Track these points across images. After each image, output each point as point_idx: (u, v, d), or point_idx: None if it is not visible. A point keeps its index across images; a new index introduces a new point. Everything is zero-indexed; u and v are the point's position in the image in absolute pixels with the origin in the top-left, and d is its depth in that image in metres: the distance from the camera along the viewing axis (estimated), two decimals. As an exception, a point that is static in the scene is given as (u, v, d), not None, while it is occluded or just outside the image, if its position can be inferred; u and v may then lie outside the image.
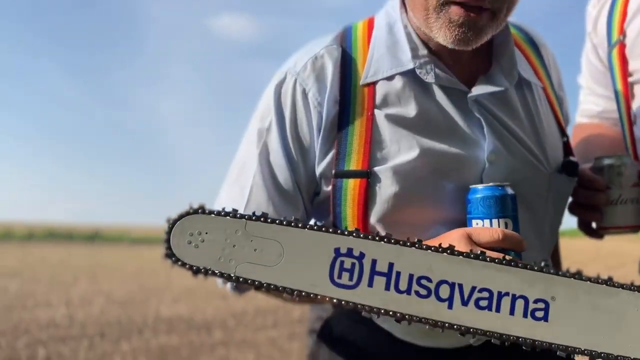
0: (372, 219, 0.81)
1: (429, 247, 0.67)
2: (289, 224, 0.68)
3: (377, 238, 0.68)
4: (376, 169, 0.80)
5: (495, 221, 0.75)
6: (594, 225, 0.94)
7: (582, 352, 0.66)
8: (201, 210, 0.67)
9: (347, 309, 0.67)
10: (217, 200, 0.91)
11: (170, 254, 0.66)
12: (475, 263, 0.67)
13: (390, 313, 0.65)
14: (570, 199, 0.92)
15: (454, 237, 0.73)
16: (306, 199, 0.87)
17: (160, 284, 9.65)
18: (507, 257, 0.67)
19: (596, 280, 0.67)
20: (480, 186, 0.77)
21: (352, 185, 0.81)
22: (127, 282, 9.66)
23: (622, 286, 0.67)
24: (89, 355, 4.71)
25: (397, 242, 0.67)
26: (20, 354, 4.64)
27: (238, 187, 0.87)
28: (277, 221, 0.67)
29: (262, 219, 0.67)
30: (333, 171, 0.82)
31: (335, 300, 0.66)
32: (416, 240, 0.68)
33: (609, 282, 0.67)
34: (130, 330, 5.64)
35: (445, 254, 0.67)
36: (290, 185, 0.85)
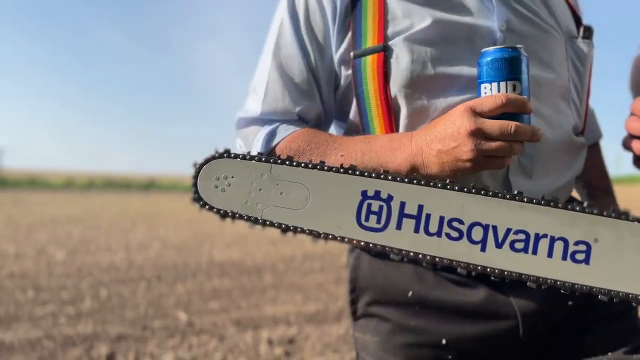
0: (393, 90, 0.83)
1: (461, 188, 0.64)
2: (314, 166, 0.67)
3: (406, 180, 0.66)
4: (391, 42, 0.83)
5: (503, 84, 0.72)
6: None
7: (626, 297, 0.62)
8: (227, 154, 0.67)
9: (377, 249, 0.65)
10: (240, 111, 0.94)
11: (197, 198, 0.67)
12: (511, 204, 0.64)
13: (420, 256, 0.64)
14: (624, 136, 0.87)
15: (457, 114, 0.73)
16: (325, 91, 0.91)
17: (213, 230, 10.02)
18: (547, 199, 0.64)
19: None
20: (491, 49, 0.75)
21: (370, 62, 0.84)
22: (182, 229, 10.08)
23: None
24: (146, 295, 4.99)
25: (427, 183, 0.65)
26: (84, 294, 4.98)
27: (256, 89, 0.91)
28: (302, 164, 0.67)
29: (287, 162, 0.67)
30: (351, 53, 0.85)
31: (362, 243, 0.65)
32: (448, 181, 0.65)
33: None
34: (185, 274, 5.92)
35: (479, 194, 0.64)
36: (305, 76, 0.89)
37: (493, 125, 0.71)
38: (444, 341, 0.88)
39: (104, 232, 9.89)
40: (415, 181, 0.66)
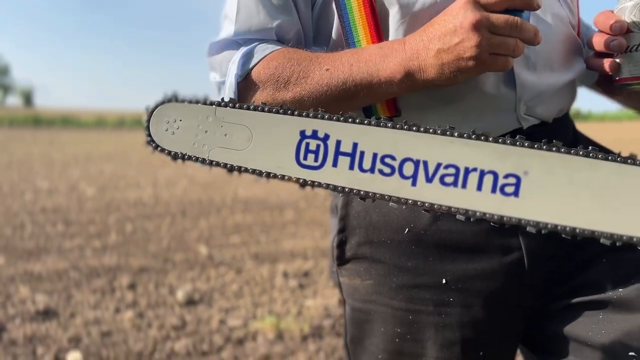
0: None
1: (394, 125, 0.67)
2: (255, 108, 0.71)
3: (341, 119, 0.69)
4: None
5: None
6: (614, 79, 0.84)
7: (554, 228, 0.64)
8: (174, 98, 0.71)
9: (314, 187, 0.68)
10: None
11: (150, 141, 0.73)
12: (442, 139, 0.66)
13: (354, 191, 0.68)
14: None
15: (458, 7, 0.69)
16: (302, 4, 0.84)
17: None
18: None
19: (576, 153, 0.64)
20: None
21: None
22: (209, 167, 10.26)
23: (606, 158, 0.63)
24: (170, 230, 5.22)
25: (362, 122, 0.68)
26: (110, 228, 5.24)
27: (228, 14, 0.85)
28: (244, 106, 0.71)
29: (230, 105, 0.71)
30: None
31: (301, 181, 0.69)
32: (381, 118, 0.67)
33: (591, 154, 0.64)
34: (209, 209, 6.14)
35: (411, 131, 0.66)
36: None
37: (499, 18, 0.68)
38: (444, 281, 0.85)
39: (134, 169, 10.21)
40: (350, 120, 0.68)
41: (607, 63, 0.80)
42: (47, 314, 3.18)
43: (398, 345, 0.88)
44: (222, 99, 0.71)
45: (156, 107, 0.72)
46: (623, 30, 0.78)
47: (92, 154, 13.76)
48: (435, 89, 0.78)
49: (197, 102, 0.71)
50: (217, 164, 0.71)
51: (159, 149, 0.73)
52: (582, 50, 0.91)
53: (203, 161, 0.71)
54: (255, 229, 5.20)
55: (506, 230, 0.83)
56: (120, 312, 3.24)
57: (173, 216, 5.83)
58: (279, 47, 0.82)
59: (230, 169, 0.71)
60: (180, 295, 3.49)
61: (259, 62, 0.81)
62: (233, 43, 0.84)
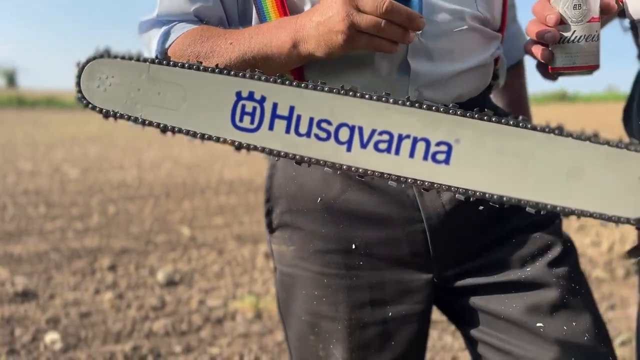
0: None
1: (331, 90, 0.68)
2: (190, 67, 0.70)
3: (279, 81, 0.69)
4: None
5: None
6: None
7: (482, 196, 0.66)
8: (107, 54, 0.70)
9: (250, 150, 0.70)
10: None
11: (81, 98, 0.71)
12: (377, 105, 0.67)
13: (290, 155, 0.68)
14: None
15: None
16: None
17: (227, 150, 10.16)
18: (413, 99, 0.67)
19: (506, 122, 0.66)
20: None
21: None
22: (196, 148, 10.26)
23: (533, 128, 0.65)
24: (153, 211, 5.22)
25: (299, 84, 0.68)
26: (93, 210, 5.23)
27: None
28: (179, 64, 0.70)
29: (164, 63, 0.70)
30: None
31: (236, 143, 0.69)
32: (319, 82, 0.69)
33: (521, 124, 0.66)
34: (194, 191, 6.14)
35: (347, 96, 0.67)
36: None
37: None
38: (353, 246, 0.92)
39: (119, 151, 10.16)
40: (287, 82, 0.68)
41: (541, 52, 0.82)
42: (26, 295, 3.19)
43: (316, 307, 0.95)
44: (157, 56, 0.71)
45: (87, 62, 0.71)
46: (557, 22, 0.80)
47: (77, 135, 13.64)
48: (338, 68, 0.83)
49: (130, 58, 0.70)
50: (150, 123, 0.70)
51: (90, 106, 0.71)
52: (494, 40, 0.93)
53: (135, 120, 0.71)
54: (239, 211, 5.21)
55: (408, 203, 0.90)
56: (100, 293, 3.26)
57: (156, 198, 5.82)
58: (195, 26, 0.86)
59: (164, 129, 0.70)
60: (160, 276, 3.51)
61: (175, 40, 0.85)
62: (158, 22, 0.89)
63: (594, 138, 0.65)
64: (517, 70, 1.11)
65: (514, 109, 1.11)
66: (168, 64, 0.70)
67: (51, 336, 2.66)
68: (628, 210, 0.63)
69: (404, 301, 0.93)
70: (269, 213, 1.01)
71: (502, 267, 0.91)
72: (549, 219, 0.92)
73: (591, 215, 0.64)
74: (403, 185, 0.67)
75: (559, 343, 0.86)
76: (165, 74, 0.70)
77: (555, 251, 0.90)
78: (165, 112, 0.70)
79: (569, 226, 4.54)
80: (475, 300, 0.93)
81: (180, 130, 0.70)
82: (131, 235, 4.42)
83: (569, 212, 0.65)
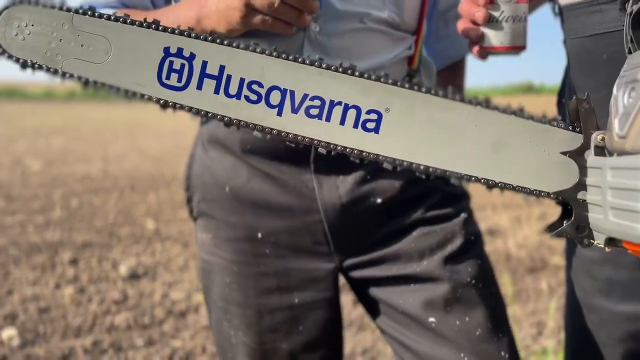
0: None
1: (263, 51, 0.67)
2: (116, 19, 0.68)
3: (209, 39, 0.67)
4: None
5: None
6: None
7: (409, 165, 0.66)
8: (27, 0, 0.67)
9: (176, 109, 0.69)
10: None
11: None
12: (310, 69, 0.66)
13: (218, 117, 0.67)
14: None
15: None
16: None
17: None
18: (345, 66, 0.67)
19: (435, 93, 0.66)
20: None
21: None
22: (163, 140, 10.14)
23: (462, 100, 0.66)
24: (117, 204, 5.15)
25: (230, 43, 0.67)
26: (55, 204, 5.13)
27: None
28: (104, 16, 0.67)
29: (89, 13, 0.67)
30: None
31: (162, 101, 0.67)
32: (252, 43, 0.68)
33: (450, 95, 0.66)
34: (159, 184, 6.06)
35: (280, 58, 0.67)
36: None
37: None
38: (259, 235, 0.95)
39: (84, 143, 9.98)
40: (218, 40, 0.67)
41: (473, 31, 0.84)
42: (-18, 292, 3.12)
43: (228, 294, 0.98)
44: (81, 5, 0.68)
45: (5, 8, 0.67)
46: (487, 1, 0.82)
47: (40, 127, 13.33)
48: None
49: (52, 6, 0.67)
50: (71, 76, 0.67)
51: (6, 55, 0.68)
52: (403, 42, 0.95)
53: (55, 72, 0.68)
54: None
55: (307, 194, 0.93)
56: (61, 287, 3.20)
57: (121, 191, 5.73)
58: (116, 11, 0.89)
59: (85, 82, 0.67)
60: (123, 269, 3.46)
61: None
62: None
63: (519, 112, 0.65)
64: (454, 70, 1.13)
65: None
66: (93, 15, 0.67)
67: (8, 332, 2.60)
68: (549, 185, 0.65)
69: (309, 288, 0.97)
70: (189, 201, 1.05)
71: (401, 260, 0.94)
72: (452, 213, 0.94)
73: (513, 188, 0.65)
74: (333, 153, 0.68)
75: (450, 338, 0.89)
76: (90, 26, 0.67)
77: (455, 245, 0.93)
78: (87, 65, 0.68)
79: (531, 214, 4.63)
80: (378, 293, 0.96)
81: (102, 85, 0.68)
82: (94, 228, 4.35)
83: (493, 185, 0.66)
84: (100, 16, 0.68)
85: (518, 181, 0.66)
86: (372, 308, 1.00)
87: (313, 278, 0.96)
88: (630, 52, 0.61)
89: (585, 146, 0.64)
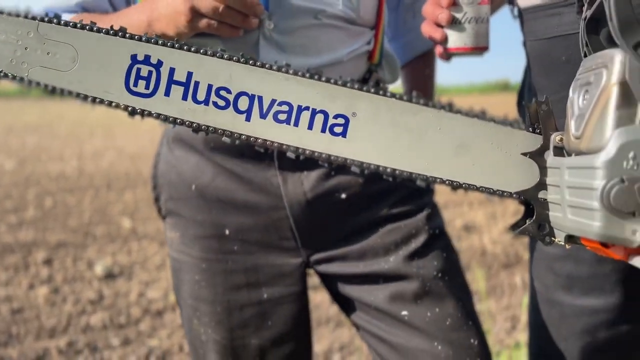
0: None
1: (230, 57, 0.68)
2: (83, 27, 0.68)
3: (176, 46, 0.68)
4: None
5: None
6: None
7: (376, 168, 0.68)
8: None
9: (144, 116, 0.69)
10: None
11: None
12: (277, 75, 0.67)
13: (187, 123, 0.68)
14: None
15: None
16: None
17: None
18: (311, 72, 0.68)
19: (400, 97, 0.68)
20: None
21: None
22: (141, 138, 10.01)
23: (426, 104, 0.68)
24: (93, 203, 5.09)
25: (197, 50, 0.68)
26: (29, 203, 5.05)
27: None
28: (70, 24, 0.68)
29: (55, 21, 0.68)
30: None
31: (130, 108, 0.68)
32: (218, 49, 0.69)
33: (413, 99, 0.68)
34: (136, 182, 6.00)
35: (247, 64, 0.68)
36: None
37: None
38: (227, 232, 0.97)
39: (59, 141, 9.82)
40: (185, 47, 0.68)
41: (436, 32, 0.86)
42: (-47, 294, 3.07)
43: (197, 292, 1.00)
44: (47, 13, 0.68)
45: None
46: (450, 3, 0.84)
47: (14, 124, 13.08)
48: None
49: (17, 15, 0.67)
50: (38, 84, 0.68)
51: None
52: (360, 37, 0.96)
53: (21, 80, 0.68)
54: (184, 203, 5.13)
55: (272, 191, 0.94)
56: (34, 288, 3.15)
57: (97, 189, 5.66)
58: (74, 15, 0.91)
59: (52, 90, 0.68)
60: (98, 269, 3.43)
61: None
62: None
63: (481, 115, 0.68)
64: (425, 59, 1.15)
65: (416, 88, 1.14)
66: (59, 23, 0.68)
67: (-20, 334, 2.58)
68: (510, 185, 0.67)
69: (277, 283, 0.99)
70: (156, 200, 1.06)
71: (367, 256, 0.96)
72: (416, 209, 0.97)
73: (477, 189, 0.67)
74: (301, 157, 0.69)
75: (423, 329, 0.92)
76: (56, 33, 0.67)
77: (419, 240, 0.95)
78: (54, 73, 0.68)
79: (506, 210, 4.71)
80: (349, 290, 0.99)
81: (70, 93, 0.68)
82: (69, 228, 4.29)
83: (457, 186, 0.68)
84: (67, 24, 0.68)
85: (481, 182, 0.68)
86: (346, 305, 1.02)
87: (281, 273, 0.98)
88: (585, 56, 0.63)
89: (544, 147, 0.66)
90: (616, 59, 0.53)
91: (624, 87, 0.53)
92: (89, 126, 12.59)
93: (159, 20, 0.80)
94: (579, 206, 0.56)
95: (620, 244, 0.53)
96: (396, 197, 0.96)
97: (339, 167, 0.84)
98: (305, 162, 0.89)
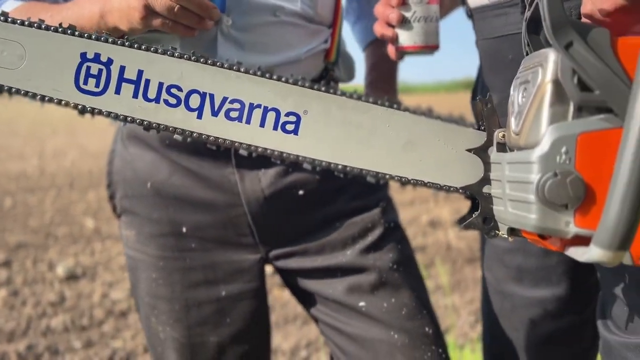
0: None
1: (181, 55, 0.68)
2: (31, 24, 0.67)
3: (126, 44, 0.68)
4: None
5: None
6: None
7: (328, 165, 0.70)
8: None
9: (95, 114, 0.69)
10: None
11: None
12: (228, 73, 0.68)
13: (138, 121, 0.68)
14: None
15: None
16: None
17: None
18: (263, 70, 0.70)
19: (350, 96, 0.70)
20: None
21: None
22: (105, 136, 9.81)
23: (376, 102, 0.70)
24: (55, 203, 4.98)
25: (148, 48, 0.68)
26: (-14, 204, 4.91)
27: None
28: (18, 21, 0.67)
29: (2, 19, 0.67)
30: None
31: (80, 107, 0.68)
32: (170, 48, 0.69)
33: (363, 97, 0.70)
34: (100, 181, 5.89)
35: (198, 62, 0.68)
36: None
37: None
38: (184, 229, 0.97)
39: (20, 139, 9.57)
40: (136, 45, 0.68)
41: (387, 32, 0.88)
42: None
43: (154, 290, 1.00)
44: None
45: None
46: (400, 2, 0.86)
47: (-28, 123, 12.72)
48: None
49: None
50: None
51: None
52: (318, 35, 0.97)
53: None
54: (149, 202, 5.06)
55: (229, 188, 0.95)
56: (-8, 291, 3.10)
57: (59, 189, 5.54)
58: (24, 3, 0.88)
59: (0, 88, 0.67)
60: (60, 270, 3.36)
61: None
62: None
63: (429, 113, 0.70)
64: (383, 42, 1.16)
65: (379, 86, 1.16)
66: (6, 21, 0.67)
67: (-64, 338, 2.50)
68: (456, 180, 0.69)
69: (236, 280, 0.99)
70: (111, 198, 1.05)
71: (326, 251, 0.98)
72: (371, 203, 0.99)
73: (425, 184, 0.70)
74: (254, 154, 0.70)
75: (380, 319, 0.95)
76: (3, 31, 0.67)
77: (375, 234, 0.98)
78: (1, 71, 0.67)
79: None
80: (308, 284, 1.00)
81: (18, 91, 0.67)
82: (29, 228, 4.19)
83: (406, 182, 0.70)
84: (14, 21, 0.67)
85: (428, 178, 0.70)
86: (305, 299, 1.04)
87: (239, 270, 0.99)
88: (527, 55, 0.66)
89: (488, 143, 0.69)
90: (550, 58, 0.56)
91: (557, 85, 0.55)
92: (51, 124, 12.30)
93: (111, 14, 0.79)
94: (517, 200, 0.59)
95: (556, 235, 0.56)
96: (352, 192, 0.98)
97: (295, 164, 0.85)
98: (263, 159, 0.90)
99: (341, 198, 0.97)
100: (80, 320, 2.77)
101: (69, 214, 4.68)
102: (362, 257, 0.96)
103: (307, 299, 1.03)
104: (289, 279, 1.04)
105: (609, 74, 0.54)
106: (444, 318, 2.74)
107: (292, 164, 0.93)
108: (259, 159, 0.90)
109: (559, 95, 0.55)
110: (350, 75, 1.08)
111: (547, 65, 0.56)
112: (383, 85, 1.15)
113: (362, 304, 0.95)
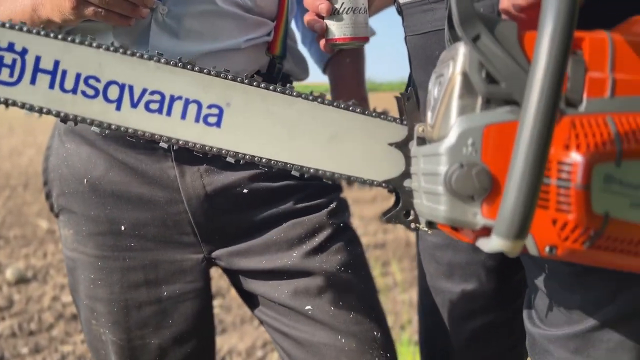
0: None
1: (99, 46, 0.67)
2: None
3: (42, 33, 0.67)
4: None
5: None
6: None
7: (252, 159, 0.70)
8: None
9: (9, 105, 0.68)
10: None
11: None
12: (148, 64, 0.68)
13: (54, 112, 0.67)
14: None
15: None
16: None
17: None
18: (184, 62, 0.69)
19: (274, 89, 0.70)
20: None
21: None
22: (64, 136, 9.59)
23: (300, 95, 0.70)
24: (7, 204, 4.84)
25: (64, 38, 0.67)
26: None
27: None
28: None
29: None
30: None
31: None
32: (87, 37, 0.68)
33: (287, 90, 0.70)
34: (56, 182, 5.75)
35: (117, 53, 0.67)
36: None
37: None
38: (122, 228, 0.94)
39: (-27, 138, 9.30)
40: (52, 35, 0.67)
41: (317, 24, 0.88)
42: None
43: (93, 291, 0.97)
44: None
45: None
46: None
47: None
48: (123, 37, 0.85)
49: None
50: None
51: None
52: (260, 27, 0.96)
53: None
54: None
55: (169, 185, 0.93)
56: None
57: (13, 189, 5.39)
58: None
59: None
60: (9, 273, 3.26)
61: None
62: None
63: (352, 107, 0.71)
64: (343, 53, 1.14)
65: (344, 85, 1.16)
66: None
67: None
68: (379, 174, 0.70)
69: (178, 280, 0.97)
70: (48, 196, 1.02)
71: (270, 251, 0.96)
72: (321, 204, 0.97)
73: (348, 178, 0.71)
74: (174, 147, 0.69)
75: (326, 323, 0.93)
76: None
77: (323, 235, 0.96)
78: None
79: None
80: (253, 286, 0.98)
81: None
82: (-23, 230, 4.08)
83: (330, 176, 0.71)
84: None
85: (352, 172, 0.71)
86: (250, 300, 1.02)
87: (181, 269, 0.97)
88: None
89: (409, 137, 0.70)
90: (460, 51, 0.57)
91: (466, 77, 0.57)
92: (7, 121, 11.94)
93: (43, 6, 0.78)
94: (430, 192, 0.60)
95: (465, 226, 0.57)
96: (302, 192, 0.96)
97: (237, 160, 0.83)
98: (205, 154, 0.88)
99: (289, 198, 0.95)
100: (28, 325, 2.70)
101: (22, 214, 4.55)
102: (308, 259, 0.94)
103: (253, 301, 1.01)
104: (235, 279, 1.01)
105: (515, 66, 0.55)
106: (401, 314, 2.77)
107: (237, 160, 0.92)
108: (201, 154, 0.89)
109: (468, 87, 0.57)
110: (303, 72, 1.06)
111: (457, 58, 0.58)
112: (354, 97, 1.14)
113: (308, 307, 0.93)
